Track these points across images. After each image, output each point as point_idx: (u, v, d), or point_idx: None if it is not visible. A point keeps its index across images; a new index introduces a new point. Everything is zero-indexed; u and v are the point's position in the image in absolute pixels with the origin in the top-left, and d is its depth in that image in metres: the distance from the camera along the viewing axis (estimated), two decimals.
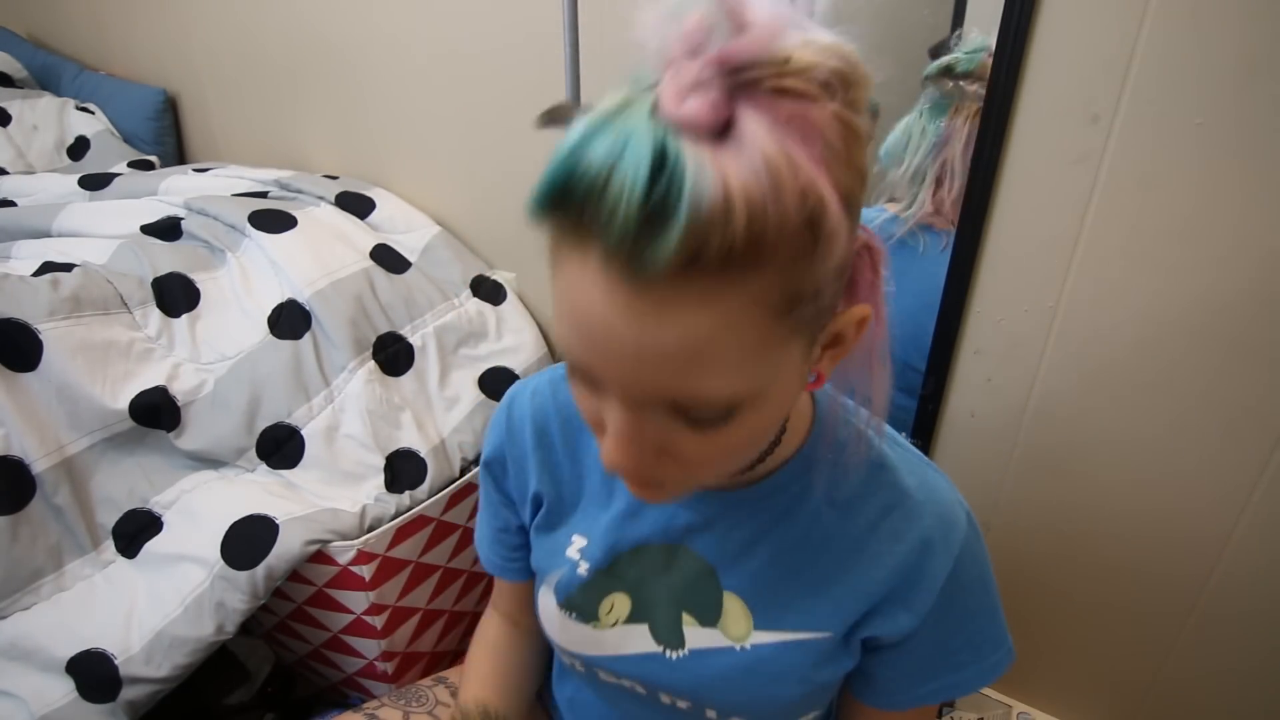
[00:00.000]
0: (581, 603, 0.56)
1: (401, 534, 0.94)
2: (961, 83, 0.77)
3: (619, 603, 0.55)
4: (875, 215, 0.89)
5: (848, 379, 0.46)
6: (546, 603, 0.59)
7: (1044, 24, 0.70)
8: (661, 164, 0.28)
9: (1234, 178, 0.66)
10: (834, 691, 0.58)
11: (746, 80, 0.30)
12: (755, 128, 0.29)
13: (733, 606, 0.52)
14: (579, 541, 0.57)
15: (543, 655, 0.74)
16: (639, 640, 0.55)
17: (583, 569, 0.56)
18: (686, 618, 0.53)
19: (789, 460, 0.50)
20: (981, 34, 0.75)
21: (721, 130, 0.29)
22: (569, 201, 0.30)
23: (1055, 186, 0.73)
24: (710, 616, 0.53)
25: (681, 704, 0.55)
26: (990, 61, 0.73)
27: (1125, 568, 0.89)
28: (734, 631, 0.52)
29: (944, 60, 0.78)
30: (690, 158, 0.28)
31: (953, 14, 0.76)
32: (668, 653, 0.54)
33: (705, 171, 0.28)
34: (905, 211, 0.86)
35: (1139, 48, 0.66)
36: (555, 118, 0.33)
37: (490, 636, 0.72)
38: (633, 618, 0.55)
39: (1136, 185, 0.70)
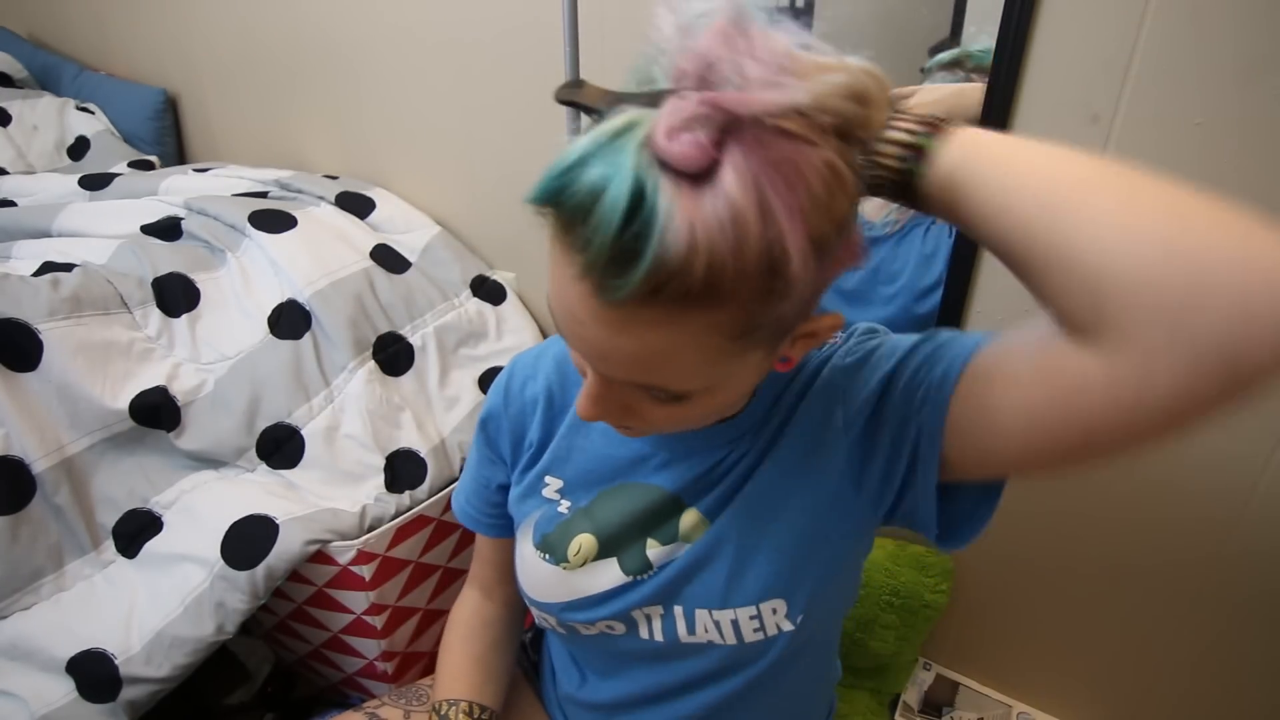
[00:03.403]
0: (554, 542, 0.59)
1: (401, 534, 0.94)
2: (974, 76, 0.77)
3: (585, 543, 0.58)
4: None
5: None
6: (524, 549, 0.61)
7: (1044, 24, 0.70)
8: (638, 207, 0.31)
9: (1234, 178, 0.66)
10: (798, 579, 0.54)
11: (742, 121, 0.31)
12: (733, 177, 0.31)
13: (689, 517, 0.55)
14: (554, 483, 0.60)
15: (516, 629, 0.75)
16: (609, 574, 0.57)
17: (563, 507, 0.59)
18: (650, 542, 0.56)
19: (751, 400, 0.53)
20: (986, 36, 0.76)
21: (705, 172, 0.31)
22: (559, 211, 0.34)
23: None
24: (670, 534, 0.56)
25: (655, 620, 0.57)
26: None
27: (1126, 567, 0.89)
28: (692, 536, 0.55)
29: (956, 51, 0.78)
30: (664, 204, 0.31)
31: (953, 14, 0.76)
32: (638, 578, 0.56)
33: (674, 221, 0.31)
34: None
35: (1139, 48, 0.66)
36: (569, 97, 0.35)
37: (463, 618, 0.73)
38: (600, 555, 0.57)
39: None
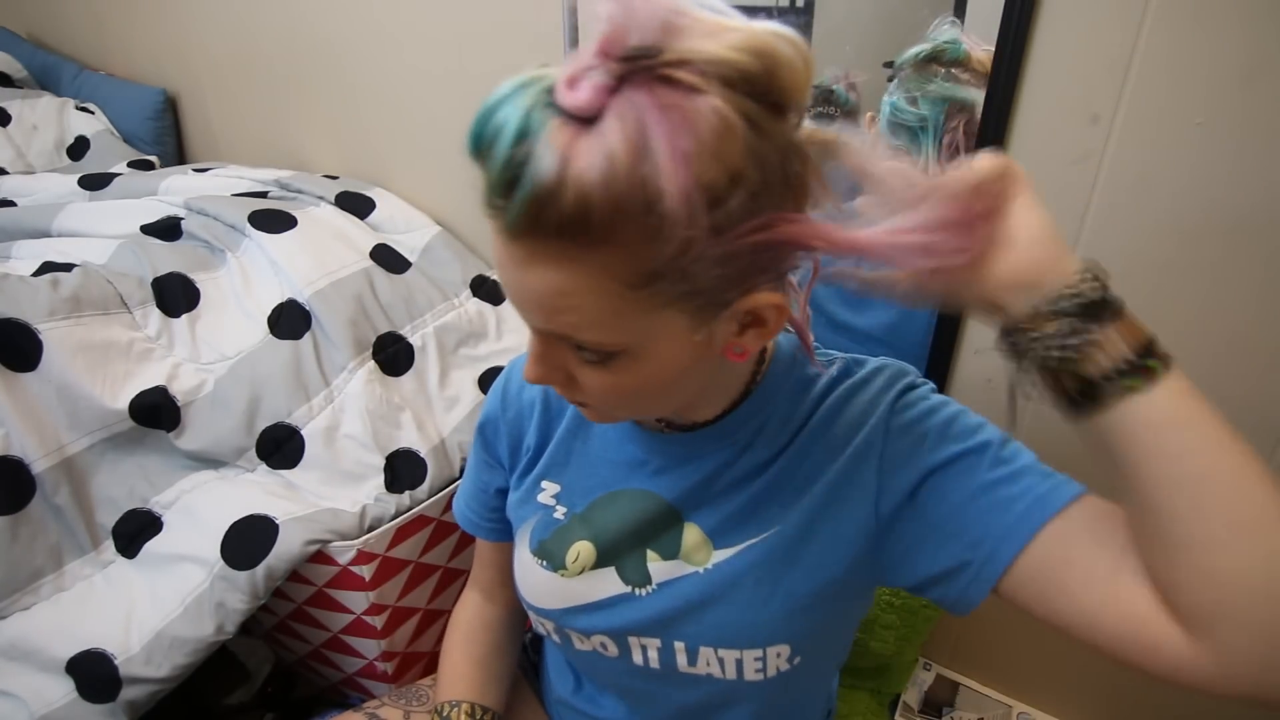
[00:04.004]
0: (552, 549, 0.59)
1: (401, 534, 0.94)
2: (954, 71, 0.77)
3: (584, 551, 0.57)
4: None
5: None
6: (522, 555, 0.61)
7: (1044, 24, 0.70)
8: (523, 139, 0.34)
9: (1234, 178, 0.66)
10: (809, 619, 0.54)
11: (636, 68, 0.34)
12: (615, 120, 0.33)
13: (691, 535, 0.55)
14: (550, 488, 0.60)
15: (518, 632, 0.75)
16: (607, 583, 0.57)
17: (559, 513, 0.59)
18: (651, 554, 0.56)
19: (740, 402, 0.53)
20: (954, 28, 0.76)
21: (593, 116, 0.34)
22: (476, 149, 0.36)
23: (1055, 186, 0.73)
24: (671, 549, 0.55)
25: (651, 650, 0.56)
26: (971, 52, 0.73)
27: None
28: (695, 558, 0.54)
29: (927, 47, 0.77)
30: (544, 139, 0.33)
31: (952, 14, 0.76)
32: (636, 591, 0.56)
33: (548, 151, 0.33)
34: None
35: (1139, 48, 0.66)
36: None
37: (464, 619, 0.73)
38: (599, 563, 0.57)
39: (1136, 185, 0.70)
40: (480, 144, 0.36)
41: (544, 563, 0.59)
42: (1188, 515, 0.36)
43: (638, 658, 0.57)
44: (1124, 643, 0.40)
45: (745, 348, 0.44)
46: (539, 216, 0.34)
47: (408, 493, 0.97)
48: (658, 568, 0.55)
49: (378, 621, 0.95)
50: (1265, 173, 0.65)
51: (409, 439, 1.01)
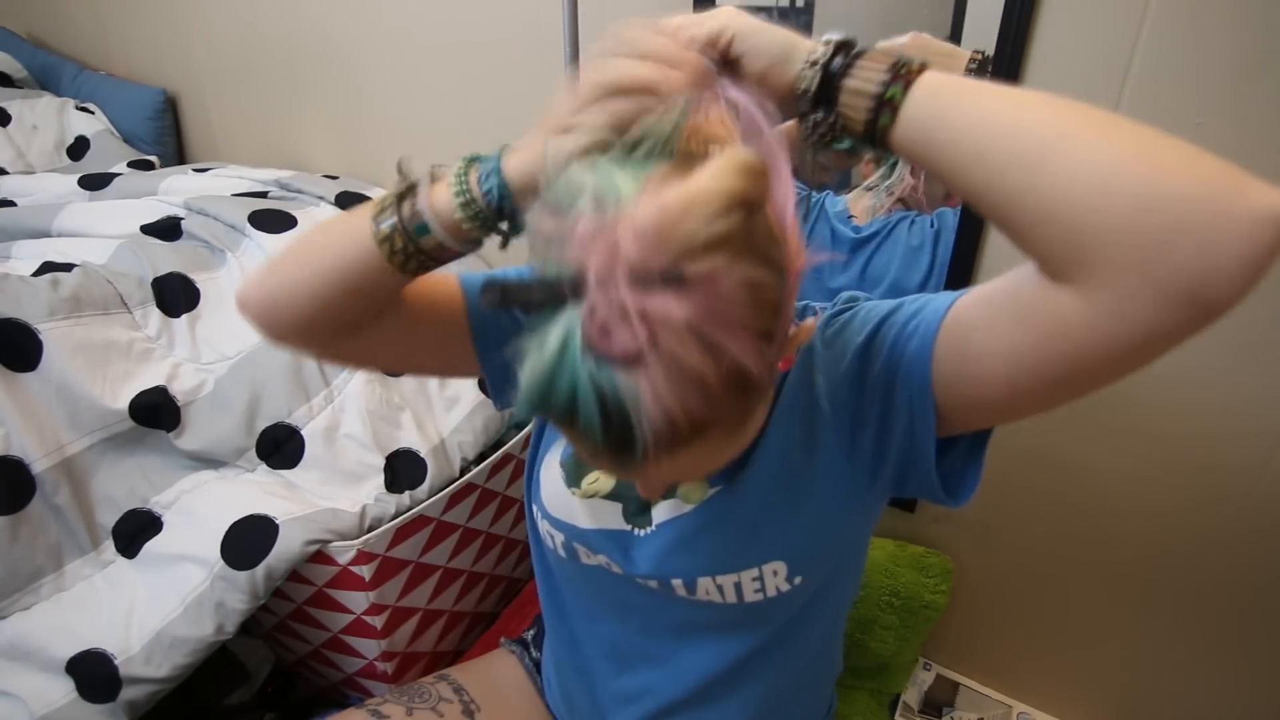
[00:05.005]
0: (569, 469, 0.61)
1: (401, 534, 0.94)
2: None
3: (603, 479, 0.60)
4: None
5: None
6: (552, 463, 0.63)
7: (1044, 24, 0.70)
8: (609, 407, 0.34)
9: None
10: (801, 542, 0.55)
11: (655, 288, 0.33)
12: (670, 338, 0.33)
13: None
14: None
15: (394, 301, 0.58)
16: (611, 517, 0.59)
17: None
18: None
19: None
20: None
21: (646, 351, 0.34)
22: (548, 417, 0.38)
23: None
24: (670, 491, 0.57)
25: (652, 583, 0.58)
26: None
27: (1125, 567, 0.89)
28: (691, 496, 0.56)
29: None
30: (628, 395, 0.34)
31: (953, 14, 0.76)
32: (636, 531, 0.58)
33: (643, 404, 0.34)
34: (885, 181, 0.87)
35: (1139, 48, 0.66)
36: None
37: None
38: (611, 495, 0.59)
39: None
40: (555, 416, 0.37)
41: (564, 475, 0.61)
42: (1031, 194, 0.36)
43: (639, 580, 0.59)
44: (1036, 341, 0.39)
45: (788, 359, 0.49)
46: (659, 447, 0.36)
47: (408, 493, 0.97)
48: (658, 509, 0.58)
49: (378, 621, 0.95)
50: (1264, 172, 0.65)
51: (409, 439, 1.01)
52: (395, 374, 0.61)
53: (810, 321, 0.45)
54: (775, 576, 0.55)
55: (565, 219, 0.35)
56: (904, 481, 0.52)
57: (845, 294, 0.57)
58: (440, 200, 0.45)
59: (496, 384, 0.62)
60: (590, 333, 0.34)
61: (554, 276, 0.35)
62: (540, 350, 0.35)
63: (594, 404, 0.34)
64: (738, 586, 0.55)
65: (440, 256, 0.47)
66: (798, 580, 0.55)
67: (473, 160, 0.46)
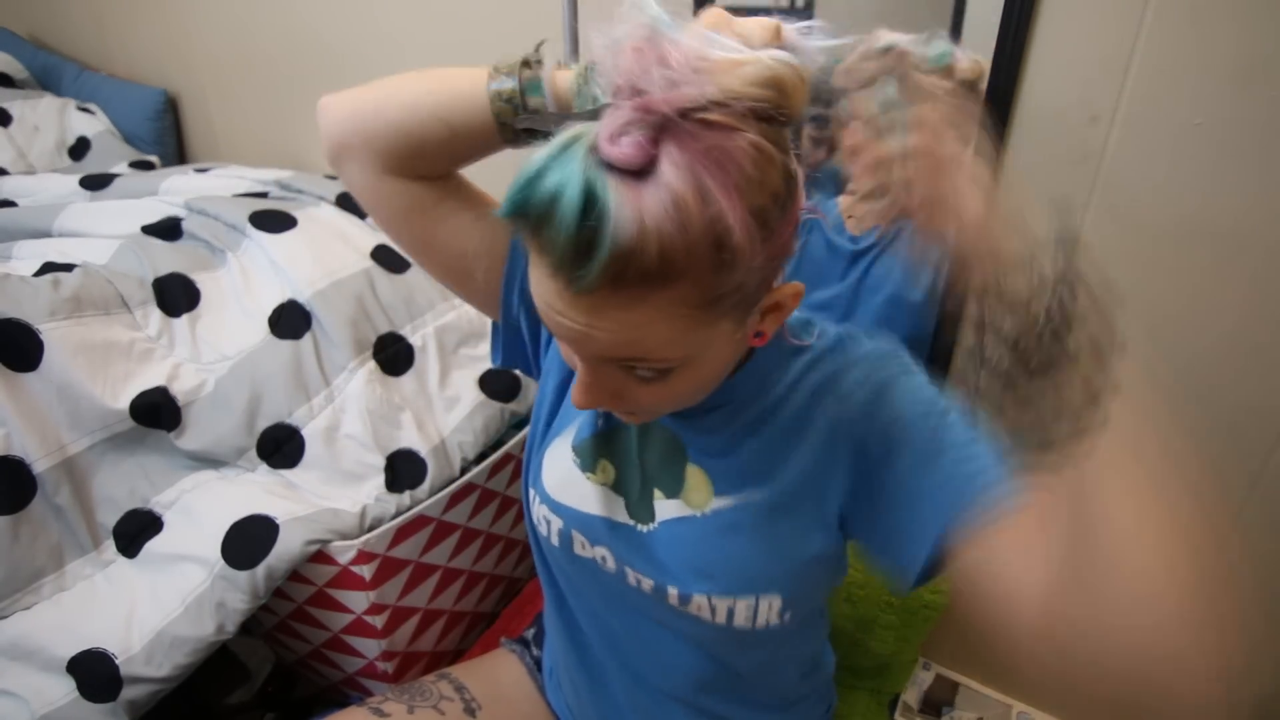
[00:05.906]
0: (584, 453, 0.61)
1: (402, 534, 0.94)
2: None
3: (607, 470, 0.60)
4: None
5: None
6: (561, 447, 0.63)
7: (1044, 24, 0.70)
8: (590, 205, 0.35)
9: (1234, 178, 0.66)
10: (801, 577, 0.55)
11: (671, 119, 0.36)
12: (671, 168, 0.36)
13: (695, 477, 0.56)
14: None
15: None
16: (616, 509, 0.59)
17: (601, 423, 0.61)
18: (656, 493, 0.58)
19: (746, 362, 0.54)
20: (947, 43, 0.76)
21: (646, 168, 0.36)
22: (526, 220, 0.38)
23: (1055, 186, 0.74)
24: (674, 488, 0.57)
25: (646, 583, 0.57)
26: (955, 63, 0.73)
27: None
28: (695, 500, 0.56)
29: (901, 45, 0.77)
30: (614, 198, 0.35)
31: (953, 14, 0.76)
32: (639, 526, 0.58)
33: (623, 212, 0.35)
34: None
35: (1138, 48, 0.67)
36: (528, 124, 0.40)
37: None
38: (615, 488, 0.60)
39: (1137, 185, 0.71)
40: (531, 212, 0.37)
41: (578, 460, 0.61)
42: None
43: (631, 580, 0.59)
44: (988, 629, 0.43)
45: (766, 332, 0.48)
46: (620, 273, 0.36)
47: (408, 492, 0.97)
48: (661, 506, 0.57)
49: (378, 621, 0.95)
50: (1264, 172, 0.65)
51: (409, 439, 1.01)
52: (416, 257, 0.63)
53: (790, 287, 0.46)
54: (769, 609, 0.54)
55: (616, 44, 0.38)
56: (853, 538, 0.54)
57: (883, 349, 0.55)
58: (561, 79, 0.48)
59: (505, 335, 0.64)
60: (603, 134, 0.36)
61: (589, 104, 0.37)
62: (547, 147, 0.38)
63: (578, 197, 0.35)
64: (730, 611, 0.54)
65: (534, 128, 0.46)
66: (787, 616, 0.55)
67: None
